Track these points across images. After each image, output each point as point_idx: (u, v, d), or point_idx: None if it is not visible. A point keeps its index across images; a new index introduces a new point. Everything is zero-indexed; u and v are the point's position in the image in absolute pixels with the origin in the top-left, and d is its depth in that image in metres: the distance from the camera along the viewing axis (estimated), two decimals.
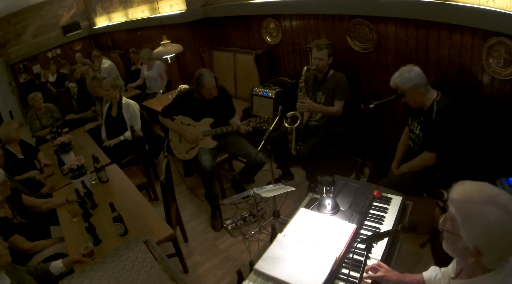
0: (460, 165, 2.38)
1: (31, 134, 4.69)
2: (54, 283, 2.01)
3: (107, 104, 3.84)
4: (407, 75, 2.28)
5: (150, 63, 5.39)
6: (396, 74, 2.35)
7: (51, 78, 7.24)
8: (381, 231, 1.71)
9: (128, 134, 3.66)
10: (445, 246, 1.18)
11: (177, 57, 4.88)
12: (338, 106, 3.02)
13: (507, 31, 2.02)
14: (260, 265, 1.54)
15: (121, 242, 2.04)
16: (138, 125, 3.70)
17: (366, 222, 1.80)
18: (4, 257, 1.78)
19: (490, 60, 2.23)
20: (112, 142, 3.67)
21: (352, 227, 1.69)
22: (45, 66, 7.58)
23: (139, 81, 5.67)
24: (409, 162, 2.48)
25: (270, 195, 2.45)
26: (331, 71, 3.07)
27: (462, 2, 2.21)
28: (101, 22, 7.49)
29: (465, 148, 2.42)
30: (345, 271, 1.54)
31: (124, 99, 3.78)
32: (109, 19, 7.07)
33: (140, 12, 5.88)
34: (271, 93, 3.70)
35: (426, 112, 2.34)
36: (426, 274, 1.46)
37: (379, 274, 1.49)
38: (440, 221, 1.19)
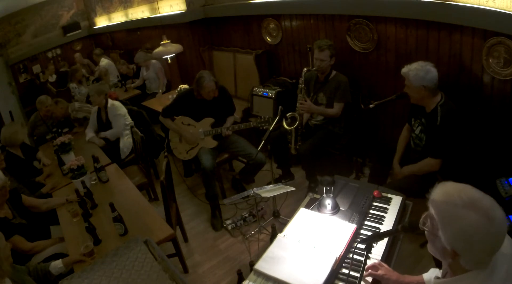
0: (460, 166, 2.38)
1: (27, 134, 4.62)
2: (54, 283, 2.01)
3: (96, 111, 3.83)
4: (422, 74, 2.21)
5: (147, 63, 5.41)
6: (413, 66, 2.26)
7: (51, 78, 7.24)
8: (381, 231, 1.71)
9: (110, 132, 3.71)
10: (428, 245, 1.19)
11: (177, 57, 4.87)
12: (337, 108, 3.01)
13: (507, 31, 2.02)
14: (260, 265, 1.54)
15: (121, 242, 2.04)
16: (125, 122, 3.72)
17: (366, 222, 1.80)
18: (7, 259, 1.76)
19: (490, 60, 2.23)
20: (94, 140, 3.74)
21: (352, 227, 1.69)
22: (45, 66, 7.58)
23: (138, 82, 5.68)
24: (412, 165, 2.45)
25: (270, 195, 2.45)
26: (334, 72, 3.05)
27: (462, 2, 2.21)
28: (101, 22, 7.48)
29: (466, 148, 2.41)
30: (345, 271, 1.53)
31: (110, 102, 3.76)
32: (109, 19, 7.06)
33: (140, 12, 5.88)
34: (271, 93, 3.70)
35: (429, 115, 2.32)
36: (426, 276, 1.46)
37: (379, 272, 1.49)
38: (421, 220, 1.19)
